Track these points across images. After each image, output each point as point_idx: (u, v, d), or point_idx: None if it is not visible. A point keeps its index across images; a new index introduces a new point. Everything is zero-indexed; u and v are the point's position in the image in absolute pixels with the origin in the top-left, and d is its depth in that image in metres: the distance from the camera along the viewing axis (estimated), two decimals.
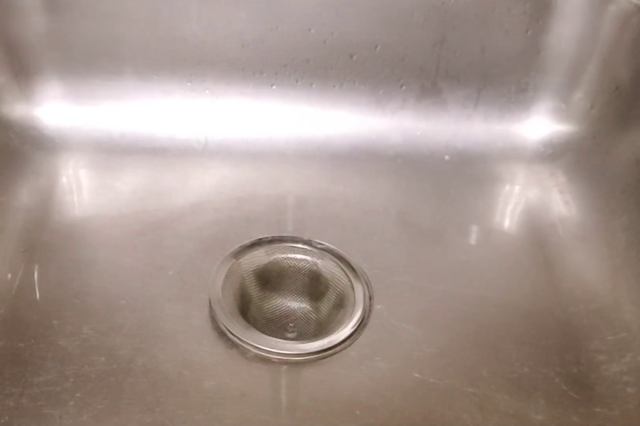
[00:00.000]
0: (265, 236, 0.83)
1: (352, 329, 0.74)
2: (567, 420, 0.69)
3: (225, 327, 0.73)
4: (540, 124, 0.97)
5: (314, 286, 0.81)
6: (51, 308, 0.74)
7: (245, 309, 0.78)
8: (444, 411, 0.69)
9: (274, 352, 0.72)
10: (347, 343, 0.74)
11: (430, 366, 0.73)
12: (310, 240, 0.82)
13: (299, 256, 0.82)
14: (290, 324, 0.80)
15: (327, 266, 0.81)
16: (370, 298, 0.78)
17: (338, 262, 0.80)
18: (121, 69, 0.92)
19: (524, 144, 0.97)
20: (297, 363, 0.72)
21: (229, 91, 0.94)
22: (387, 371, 0.72)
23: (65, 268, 0.79)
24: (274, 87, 0.94)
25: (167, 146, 0.94)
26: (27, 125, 0.92)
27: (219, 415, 0.67)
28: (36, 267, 0.78)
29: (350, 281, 0.79)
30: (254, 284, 0.80)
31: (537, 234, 0.89)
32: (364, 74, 0.93)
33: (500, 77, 0.94)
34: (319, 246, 0.82)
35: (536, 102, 0.96)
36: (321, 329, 0.78)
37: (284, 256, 0.82)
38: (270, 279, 0.81)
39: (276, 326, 0.80)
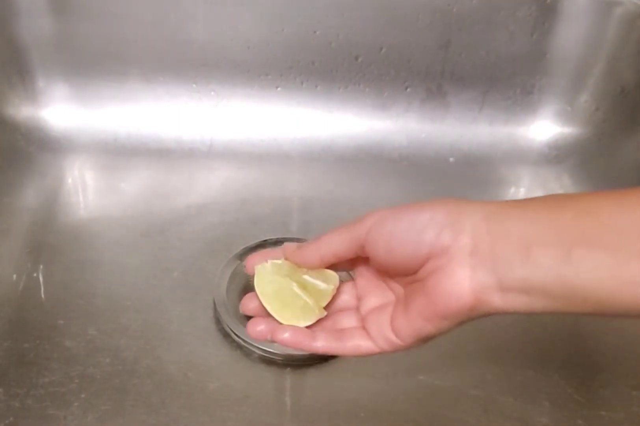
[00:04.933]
0: (270, 237, 0.83)
1: None
2: (572, 423, 0.69)
3: (230, 328, 0.73)
4: (545, 127, 0.97)
5: None
6: (56, 309, 0.74)
7: None
8: (448, 414, 0.69)
9: (278, 354, 0.72)
10: None
11: (435, 368, 0.73)
12: None
13: None
14: None
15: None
16: None
17: None
18: (127, 70, 0.92)
19: (529, 146, 0.97)
20: (301, 365, 0.72)
21: (235, 92, 0.95)
22: (391, 373, 0.72)
23: (71, 268, 0.79)
24: (279, 89, 0.94)
25: (172, 148, 0.95)
26: (33, 126, 0.92)
27: (223, 417, 0.67)
28: (41, 268, 0.79)
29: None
30: None
31: None
32: (369, 76, 0.93)
33: (506, 80, 0.94)
34: None
35: (541, 104, 0.96)
36: None
37: None
38: None
39: None
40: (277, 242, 0.82)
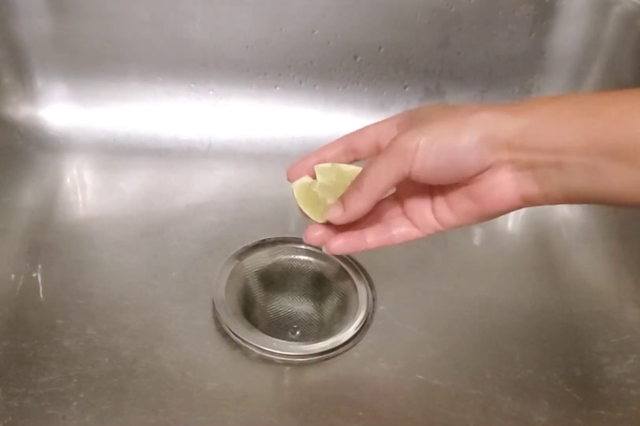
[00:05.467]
0: (269, 237, 0.83)
1: (356, 331, 0.74)
2: (571, 422, 0.69)
3: (229, 328, 0.73)
4: None
5: (317, 287, 0.81)
6: (55, 309, 0.74)
7: (249, 311, 0.78)
8: (447, 413, 0.69)
9: (277, 353, 0.72)
10: (350, 344, 0.74)
11: (434, 367, 0.73)
12: None
13: (302, 258, 0.82)
14: (294, 326, 0.80)
15: (331, 268, 0.81)
16: (373, 300, 0.78)
17: (341, 263, 0.81)
18: (126, 70, 0.92)
19: None
20: (300, 364, 0.72)
21: (233, 92, 0.95)
22: (390, 372, 0.72)
23: (69, 268, 0.79)
24: (277, 88, 0.94)
25: (171, 147, 0.95)
26: (31, 126, 0.93)
27: (222, 416, 0.67)
28: (40, 267, 0.79)
29: (353, 282, 0.79)
30: (257, 285, 0.80)
31: (541, 235, 0.89)
32: (367, 76, 0.93)
33: (504, 79, 0.94)
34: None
35: None
36: (324, 330, 0.78)
37: (288, 257, 0.82)
38: (274, 280, 0.81)
39: (279, 327, 0.80)
40: (276, 242, 0.83)
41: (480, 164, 0.49)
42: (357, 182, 0.54)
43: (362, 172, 0.55)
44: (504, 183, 0.50)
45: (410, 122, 0.55)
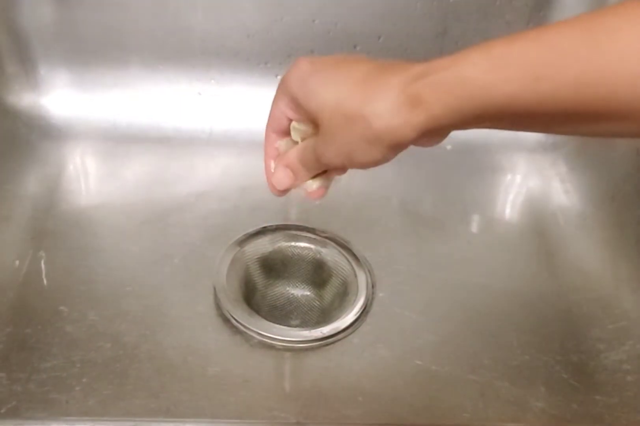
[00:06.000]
0: (270, 224, 0.84)
1: (355, 317, 0.75)
2: (567, 408, 0.70)
3: (230, 314, 0.74)
4: None
5: (318, 274, 0.82)
6: (58, 295, 0.75)
7: (250, 297, 0.79)
8: (446, 398, 0.70)
9: (277, 339, 0.72)
10: (349, 330, 0.74)
11: (432, 353, 0.73)
12: (314, 229, 0.83)
13: (302, 244, 0.82)
14: (294, 312, 0.81)
15: (331, 254, 0.81)
16: (372, 286, 0.79)
17: (341, 250, 0.81)
18: (128, 59, 0.93)
19: (525, 133, 0.96)
20: (300, 349, 0.73)
21: (234, 80, 0.95)
22: (389, 358, 0.73)
23: (72, 255, 0.80)
24: (278, 77, 0.94)
25: (172, 135, 0.95)
26: (34, 114, 0.93)
27: (222, 401, 0.67)
28: (43, 254, 0.79)
29: (353, 269, 0.79)
30: (258, 271, 0.81)
31: (538, 223, 0.90)
32: None
33: None
34: (323, 234, 0.83)
35: None
36: (324, 316, 0.78)
37: (288, 244, 0.82)
38: (275, 267, 0.82)
39: (280, 313, 0.80)
40: (277, 229, 0.83)
41: (399, 153, 0.48)
42: (291, 165, 0.55)
43: (295, 155, 0.54)
44: (432, 138, 0.49)
45: (297, 105, 0.52)
